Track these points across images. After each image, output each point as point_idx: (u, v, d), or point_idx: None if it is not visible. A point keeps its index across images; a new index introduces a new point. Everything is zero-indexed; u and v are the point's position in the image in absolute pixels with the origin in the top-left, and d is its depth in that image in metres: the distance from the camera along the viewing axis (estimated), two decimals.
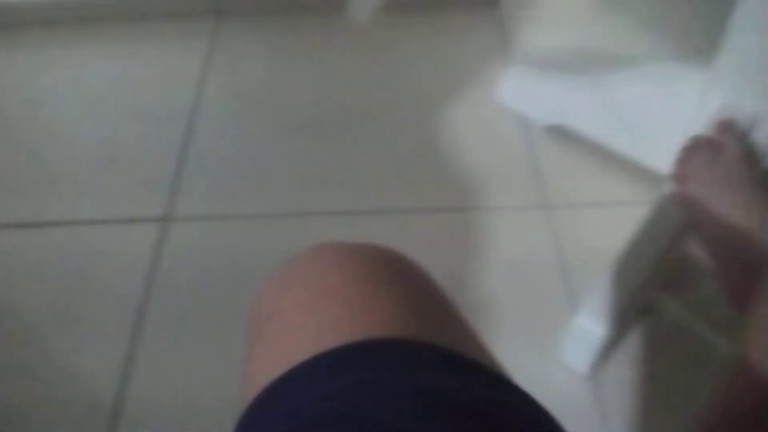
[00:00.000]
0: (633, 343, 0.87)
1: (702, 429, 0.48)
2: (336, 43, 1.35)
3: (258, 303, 0.42)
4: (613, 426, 0.81)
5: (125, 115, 1.23)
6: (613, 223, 0.99)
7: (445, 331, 0.36)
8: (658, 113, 1.01)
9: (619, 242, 0.92)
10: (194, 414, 0.84)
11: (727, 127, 0.75)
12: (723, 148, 0.73)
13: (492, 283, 0.94)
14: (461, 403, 0.29)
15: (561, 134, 1.11)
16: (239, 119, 1.20)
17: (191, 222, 1.04)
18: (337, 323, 0.35)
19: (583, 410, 0.82)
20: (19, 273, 1.00)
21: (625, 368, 0.85)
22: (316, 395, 0.30)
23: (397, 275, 0.40)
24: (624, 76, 1.08)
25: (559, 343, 0.86)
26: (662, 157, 1.00)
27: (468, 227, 1.01)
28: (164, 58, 1.34)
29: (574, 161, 1.08)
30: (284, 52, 1.34)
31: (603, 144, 1.06)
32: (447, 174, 1.09)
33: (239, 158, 1.13)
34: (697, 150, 0.75)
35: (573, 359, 0.85)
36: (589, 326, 0.82)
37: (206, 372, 0.88)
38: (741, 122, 0.75)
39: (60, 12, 1.40)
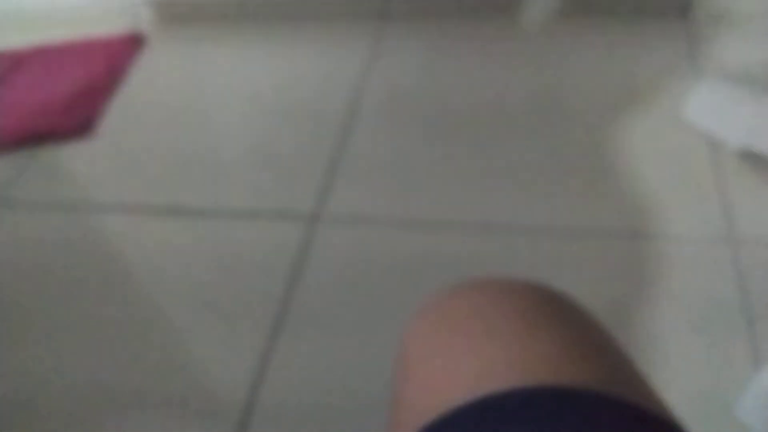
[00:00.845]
0: None
1: None
2: (503, 48, 1.30)
3: (406, 343, 0.39)
4: None
5: (285, 112, 1.25)
6: None
7: (617, 380, 0.32)
8: None
9: None
10: (325, 413, 0.83)
11: None
12: None
13: (664, 322, 0.84)
14: None
15: (754, 160, 0.99)
16: (396, 122, 1.19)
17: (340, 222, 1.03)
18: (496, 366, 0.32)
19: None
20: (166, 258, 1.03)
21: None
22: None
23: (561, 316, 0.36)
24: None
25: (738, 398, 0.75)
26: None
27: (642, 256, 0.92)
28: (326, 59, 1.35)
29: (766, 193, 0.95)
30: (447, 57, 1.31)
31: None
32: (622, 194, 1.00)
33: (392, 161, 1.11)
34: None
35: (752, 418, 0.74)
36: None
37: (341, 372, 0.86)
38: None
39: (229, 9, 1.47)
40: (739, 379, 0.76)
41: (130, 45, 1.45)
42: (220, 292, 0.97)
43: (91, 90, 1.35)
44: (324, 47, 1.38)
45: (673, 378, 0.79)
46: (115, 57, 1.42)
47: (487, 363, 0.32)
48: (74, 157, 1.23)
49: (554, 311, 0.36)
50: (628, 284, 0.89)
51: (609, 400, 0.29)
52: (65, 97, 1.34)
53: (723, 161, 1.01)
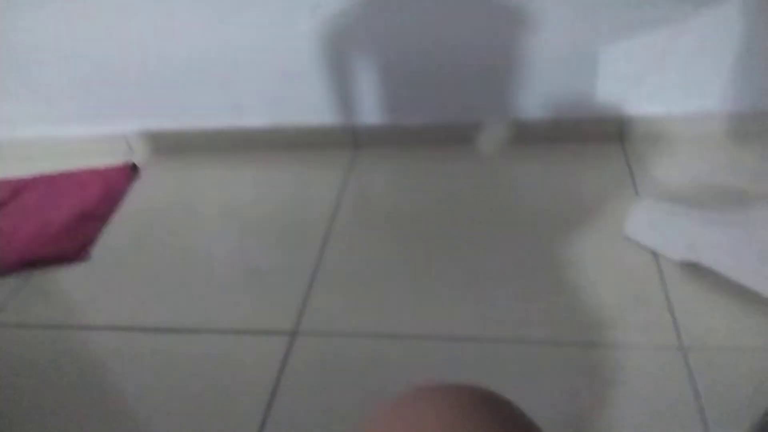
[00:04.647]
0: None
1: None
2: (463, 171, 1.42)
3: None
4: None
5: (268, 232, 1.33)
6: (754, 368, 0.92)
7: None
8: None
9: (761, 389, 0.85)
10: None
11: None
12: None
13: (622, 426, 0.88)
14: None
15: (695, 271, 1.07)
16: (368, 241, 1.27)
17: (317, 337, 1.08)
18: None
19: None
20: (151, 374, 1.07)
21: None
22: None
23: (496, 418, 0.41)
24: (765, 214, 1.04)
25: None
26: None
27: (596, 364, 0.97)
28: (305, 183, 1.46)
29: (710, 301, 1.03)
30: (413, 179, 1.42)
31: (742, 284, 1.01)
32: (573, 307, 1.06)
33: (365, 277, 1.18)
34: None
35: None
36: None
37: None
38: None
39: (216, 141, 1.59)
40: None
41: (126, 174, 1.55)
42: (207, 405, 0.99)
43: (88, 217, 1.43)
44: (303, 173, 1.49)
45: None
46: (111, 186, 1.52)
47: None
48: (67, 280, 1.29)
49: (487, 412, 0.41)
50: (586, 390, 0.93)
51: None
52: (62, 224, 1.42)
53: (666, 274, 1.08)
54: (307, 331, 1.09)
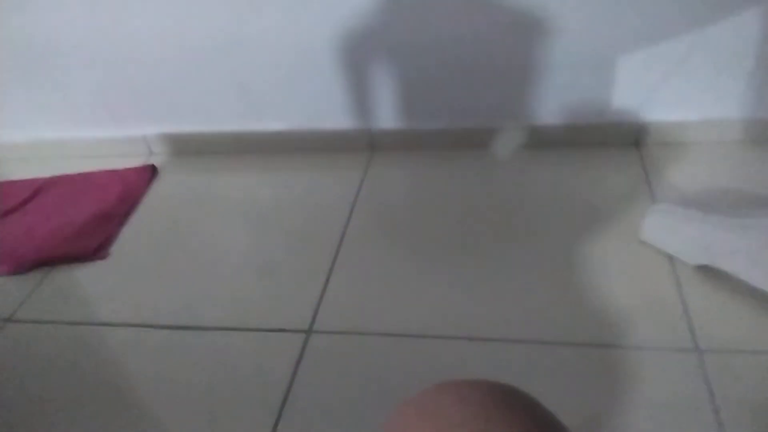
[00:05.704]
0: None
1: None
2: (478, 175, 1.43)
3: None
4: None
5: (283, 233, 1.35)
6: None
7: None
8: None
9: None
10: None
11: None
12: None
13: (637, 428, 0.88)
14: None
15: (711, 275, 1.07)
16: (383, 242, 1.28)
17: (332, 335, 1.09)
18: None
19: None
20: (167, 370, 1.08)
21: None
22: None
23: (519, 412, 0.41)
24: None
25: None
26: None
27: (611, 366, 0.97)
28: (321, 185, 1.48)
29: (726, 304, 1.02)
30: (428, 182, 1.43)
31: (758, 288, 1.00)
32: (589, 310, 1.07)
33: (380, 278, 1.19)
34: None
35: None
36: None
37: None
38: None
39: (234, 143, 1.61)
40: None
41: (145, 176, 1.58)
42: (220, 402, 1.01)
43: (107, 217, 1.45)
44: (320, 176, 1.51)
45: None
46: (130, 187, 1.54)
47: None
48: (86, 278, 1.31)
49: (510, 406, 0.42)
50: (600, 392, 0.93)
51: None
52: (81, 223, 1.44)
53: (682, 277, 1.08)
54: (321, 329, 1.10)
